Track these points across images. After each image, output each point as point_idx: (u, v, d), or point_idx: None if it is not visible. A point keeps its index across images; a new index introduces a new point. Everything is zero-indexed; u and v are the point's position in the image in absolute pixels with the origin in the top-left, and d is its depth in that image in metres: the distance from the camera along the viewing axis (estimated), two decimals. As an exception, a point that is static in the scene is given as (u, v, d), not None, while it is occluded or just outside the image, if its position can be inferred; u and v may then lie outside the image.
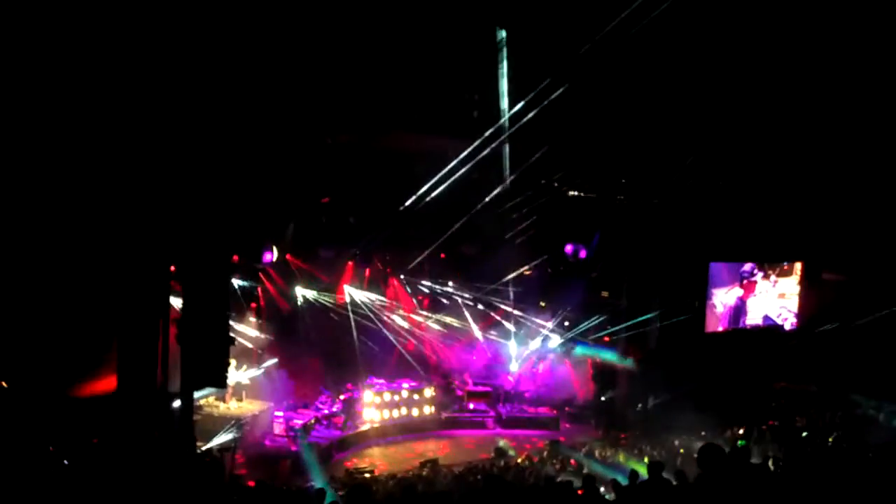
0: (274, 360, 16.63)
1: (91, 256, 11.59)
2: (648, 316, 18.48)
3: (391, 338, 18.59)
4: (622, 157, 17.03)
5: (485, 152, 14.99)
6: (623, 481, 9.15)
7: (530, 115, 13.96)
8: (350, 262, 18.43)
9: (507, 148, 15.69)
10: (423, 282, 19.34)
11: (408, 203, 16.25)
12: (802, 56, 13.14)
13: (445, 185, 15.69)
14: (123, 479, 9.04)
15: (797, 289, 20.11)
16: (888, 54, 12.44)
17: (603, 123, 15.35)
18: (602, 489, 9.23)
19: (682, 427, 15.85)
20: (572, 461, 14.17)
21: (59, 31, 10.03)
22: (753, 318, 19.94)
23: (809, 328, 19.59)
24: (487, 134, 14.70)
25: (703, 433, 14.87)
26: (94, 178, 11.24)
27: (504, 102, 14.34)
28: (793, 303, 20.16)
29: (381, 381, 17.99)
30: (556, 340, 19.59)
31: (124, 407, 11.27)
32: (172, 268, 12.18)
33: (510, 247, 18.39)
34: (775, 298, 20.02)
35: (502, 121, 14.49)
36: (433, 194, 15.88)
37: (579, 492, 8.37)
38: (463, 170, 15.30)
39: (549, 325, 19.58)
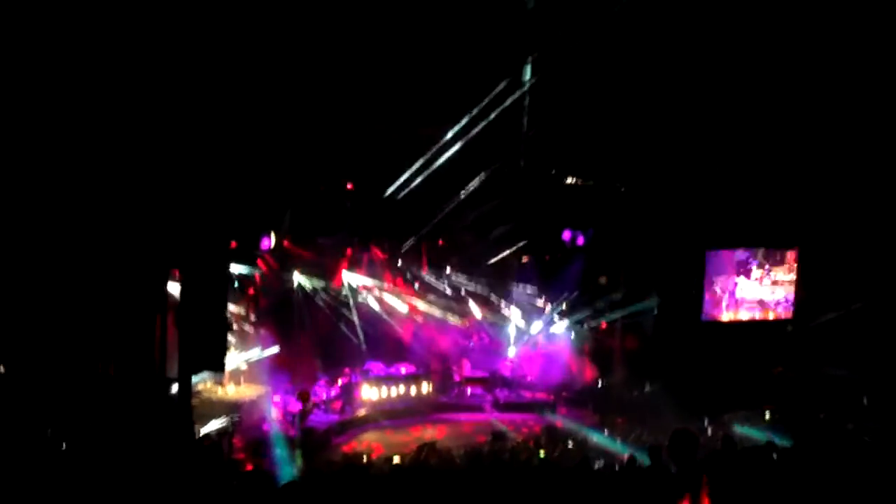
0: (274, 349, 16.63)
1: (89, 242, 11.60)
2: (646, 303, 18.54)
3: (390, 322, 18.65)
4: (619, 145, 17.01)
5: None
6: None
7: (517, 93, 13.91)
8: (349, 249, 18.49)
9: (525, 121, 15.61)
10: (422, 268, 19.39)
11: (401, 189, 16.24)
12: (798, 42, 13.10)
13: (441, 164, 15.70)
14: (122, 464, 9.10)
15: (792, 276, 20.14)
16: (885, 34, 12.39)
17: (600, 110, 15.32)
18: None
19: (678, 412, 15.91)
20: (569, 443, 14.26)
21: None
22: (750, 304, 20.01)
23: (805, 314, 19.63)
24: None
25: (699, 418, 14.98)
26: (91, 165, 11.25)
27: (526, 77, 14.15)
28: (788, 290, 20.20)
29: (379, 364, 18.03)
30: (553, 326, 19.65)
31: (123, 391, 11.33)
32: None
33: (505, 233, 18.46)
34: (770, 285, 20.07)
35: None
36: (427, 178, 15.90)
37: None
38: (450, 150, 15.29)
39: (547, 310, 19.63)
